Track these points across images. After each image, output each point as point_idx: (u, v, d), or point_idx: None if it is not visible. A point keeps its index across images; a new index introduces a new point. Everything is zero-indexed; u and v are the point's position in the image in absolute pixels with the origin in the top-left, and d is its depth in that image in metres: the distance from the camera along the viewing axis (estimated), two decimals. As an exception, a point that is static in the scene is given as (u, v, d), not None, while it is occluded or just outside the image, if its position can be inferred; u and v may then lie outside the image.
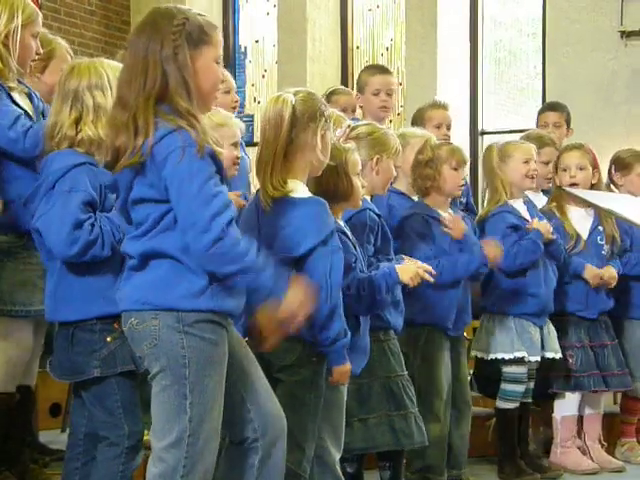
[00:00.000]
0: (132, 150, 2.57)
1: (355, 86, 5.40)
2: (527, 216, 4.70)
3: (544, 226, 4.62)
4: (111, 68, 3.19)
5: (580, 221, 4.93)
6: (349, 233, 3.41)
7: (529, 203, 4.77)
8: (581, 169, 4.91)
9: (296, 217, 3.06)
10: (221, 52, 2.73)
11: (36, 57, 3.74)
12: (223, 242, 2.54)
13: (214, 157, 2.62)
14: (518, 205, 4.72)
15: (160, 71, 2.60)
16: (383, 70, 5.45)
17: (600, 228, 4.94)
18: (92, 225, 3.03)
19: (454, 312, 4.27)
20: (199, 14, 2.71)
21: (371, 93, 5.14)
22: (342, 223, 3.41)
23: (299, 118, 3.12)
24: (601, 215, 4.93)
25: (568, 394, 4.83)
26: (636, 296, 5.09)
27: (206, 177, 2.56)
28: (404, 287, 3.65)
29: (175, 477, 2.62)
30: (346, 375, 3.15)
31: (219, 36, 2.72)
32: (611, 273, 4.88)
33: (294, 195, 3.09)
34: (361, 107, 5.13)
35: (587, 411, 4.96)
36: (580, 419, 4.95)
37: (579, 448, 4.89)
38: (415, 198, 4.41)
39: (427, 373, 4.17)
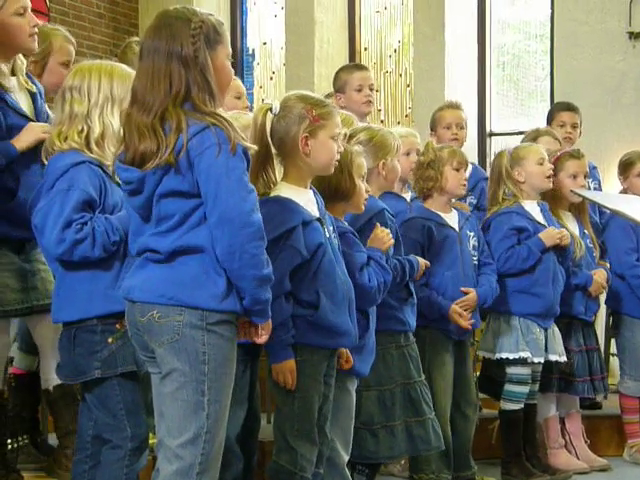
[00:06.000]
0: (164, 149, 2.58)
1: (333, 88, 5.27)
2: (540, 219, 4.70)
3: (551, 237, 4.61)
4: (115, 73, 3.18)
5: (572, 225, 4.92)
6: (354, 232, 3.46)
7: (544, 206, 4.76)
8: (585, 177, 4.93)
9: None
10: (230, 49, 2.78)
11: (35, 30, 3.54)
12: (259, 242, 2.61)
13: (246, 154, 2.66)
14: (531, 207, 4.71)
15: (184, 74, 2.63)
16: (361, 67, 5.44)
17: (586, 232, 4.96)
18: (83, 224, 3.03)
19: None
20: (208, 14, 2.74)
21: (354, 90, 5.10)
22: (345, 223, 3.45)
23: (278, 124, 3.19)
24: (583, 219, 4.94)
25: (545, 396, 4.82)
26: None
27: (241, 173, 2.61)
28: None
29: (191, 474, 2.63)
30: (285, 374, 3.13)
31: (227, 33, 2.77)
32: (604, 276, 4.94)
33: (270, 195, 3.17)
34: (343, 107, 4.90)
35: (566, 411, 4.98)
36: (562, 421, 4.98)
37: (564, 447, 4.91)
38: (407, 198, 4.41)
39: (428, 376, 4.17)
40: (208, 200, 2.59)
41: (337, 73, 5.35)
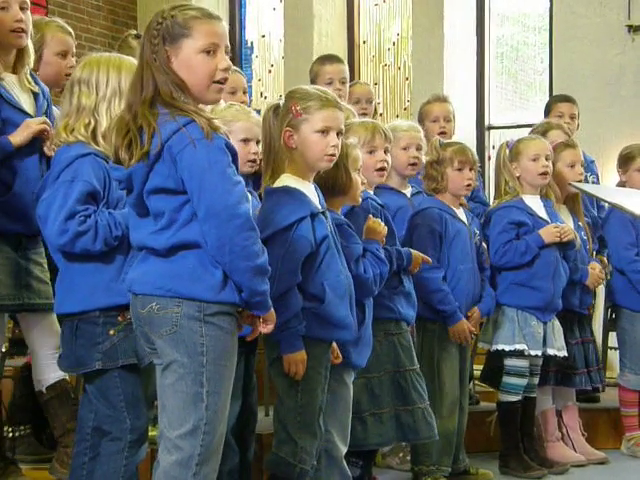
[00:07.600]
0: (138, 148, 2.60)
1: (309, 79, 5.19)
2: (542, 213, 4.69)
3: (550, 234, 4.60)
4: (124, 66, 3.18)
5: (566, 219, 4.91)
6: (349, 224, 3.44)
7: (547, 201, 4.75)
8: (581, 165, 4.93)
9: (266, 205, 3.18)
10: (211, 41, 2.68)
11: (19, 25, 3.52)
12: (249, 233, 2.61)
13: (229, 146, 2.66)
14: (533, 202, 4.70)
15: (150, 74, 2.66)
16: (334, 59, 5.35)
17: (580, 224, 4.95)
18: (86, 217, 3.03)
19: (464, 309, 4.29)
20: (190, 8, 2.72)
21: (324, 83, 4.98)
22: (341, 216, 3.44)
23: (276, 121, 3.22)
24: (577, 211, 4.94)
25: (541, 389, 4.82)
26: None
27: (224, 166, 2.61)
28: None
29: (191, 465, 2.65)
30: (296, 365, 3.13)
31: (208, 25, 2.69)
32: (599, 268, 4.96)
33: (274, 185, 3.19)
34: None
35: (563, 404, 4.99)
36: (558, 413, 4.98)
37: (561, 440, 4.92)
38: (407, 193, 4.40)
39: (432, 369, 4.17)
40: (194, 196, 2.61)
41: (311, 65, 5.33)
